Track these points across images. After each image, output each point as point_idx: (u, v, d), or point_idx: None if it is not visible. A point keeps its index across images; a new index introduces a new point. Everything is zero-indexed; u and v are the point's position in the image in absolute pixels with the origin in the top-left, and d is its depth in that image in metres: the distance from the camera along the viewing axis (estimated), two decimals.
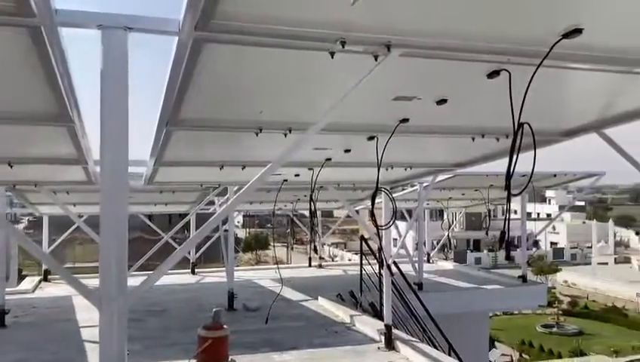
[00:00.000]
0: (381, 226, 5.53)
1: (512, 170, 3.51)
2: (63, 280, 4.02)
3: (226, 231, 13.13)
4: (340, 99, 3.58)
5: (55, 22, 2.84)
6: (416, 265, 14.29)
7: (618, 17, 3.13)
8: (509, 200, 3.52)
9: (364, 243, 12.51)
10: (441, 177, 10.99)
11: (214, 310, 7.50)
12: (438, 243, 21.99)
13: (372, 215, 5.18)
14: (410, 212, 19.38)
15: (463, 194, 16.28)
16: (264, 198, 15.17)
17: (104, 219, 3.08)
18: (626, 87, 4.40)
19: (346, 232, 77.13)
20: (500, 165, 8.83)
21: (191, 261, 17.21)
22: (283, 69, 3.81)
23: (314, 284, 14.93)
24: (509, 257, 3.48)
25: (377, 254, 11.73)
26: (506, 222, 3.44)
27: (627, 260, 64.17)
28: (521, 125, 3.48)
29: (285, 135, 5.34)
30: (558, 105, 5.03)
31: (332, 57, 3.35)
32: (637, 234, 66.56)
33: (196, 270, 17.39)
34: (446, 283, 15.45)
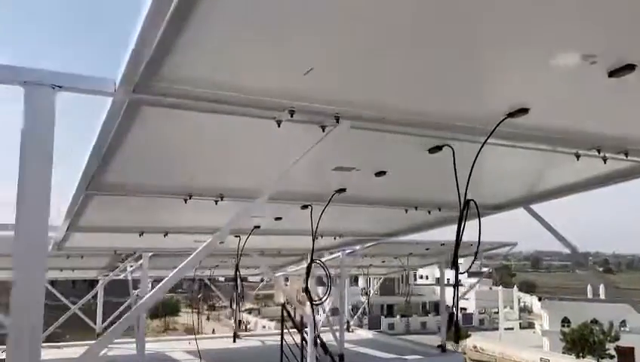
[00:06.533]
0: (315, 301, 5.28)
1: (458, 246, 3.45)
2: None
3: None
4: (288, 168, 3.41)
5: None
6: (337, 334, 13.94)
7: (560, 100, 3.21)
8: (456, 279, 3.42)
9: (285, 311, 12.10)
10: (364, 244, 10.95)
11: None
12: (355, 310, 21.82)
13: (306, 290, 4.93)
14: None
15: (383, 262, 16.33)
16: (178, 264, 14.47)
17: (18, 288, 2.65)
18: (556, 165, 4.55)
19: (259, 297, 75.24)
20: (422, 235, 8.97)
21: (97, 331, 15.85)
22: (222, 135, 3.60)
23: (232, 357, 14.17)
24: (457, 340, 3.32)
25: (300, 326, 11.37)
26: (455, 303, 3.32)
27: (531, 325, 66.84)
28: (467, 201, 3.46)
29: (216, 202, 5.07)
30: (493, 180, 5.12)
31: (279, 126, 3.19)
32: (539, 299, 69.76)
33: None
34: (367, 353, 15.15)
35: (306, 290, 4.94)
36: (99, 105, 3.31)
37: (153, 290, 3.50)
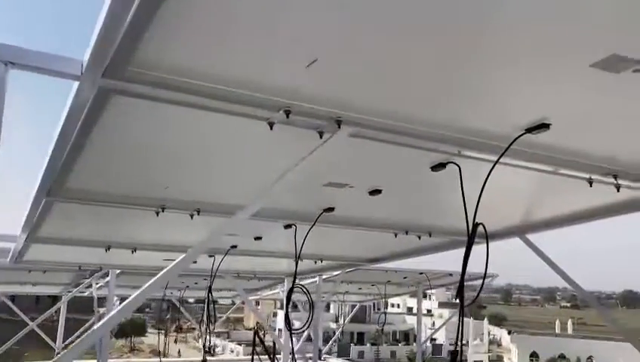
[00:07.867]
0: (295, 330, 4.83)
1: (464, 274, 3.08)
2: None
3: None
4: (278, 179, 3.00)
5: None
6: None
7: (584, 116, 2.89)
8: (461, 310, 3.04)
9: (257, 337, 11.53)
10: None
11: None
12: (326, 337, 21.24)
13: (286, 316, 4.48)
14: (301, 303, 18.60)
15: (360, 289, 15.88)
16: (146, 283, 13.84)
17: None
18: (561, 190, 4.23)
19: (229, 320, 73.58)
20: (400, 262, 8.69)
21: (56, 350, 14.93)
22: (204, 137, 3.19)
23: None
24: None
25: (271, 352, 10.83)
26: (459, 338, 2.92)
27: (499, 358, 66.63)
28: (476, 225, 3.10)
29: (192, 216, 4.62)
30: (490, 205, 4.78)
31: (271, 128, 2.80)
32: (509, 333, 69.77)
33: None
34: None
35: (286, 317, 4.50)
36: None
37: (116, 309, 3.04)
